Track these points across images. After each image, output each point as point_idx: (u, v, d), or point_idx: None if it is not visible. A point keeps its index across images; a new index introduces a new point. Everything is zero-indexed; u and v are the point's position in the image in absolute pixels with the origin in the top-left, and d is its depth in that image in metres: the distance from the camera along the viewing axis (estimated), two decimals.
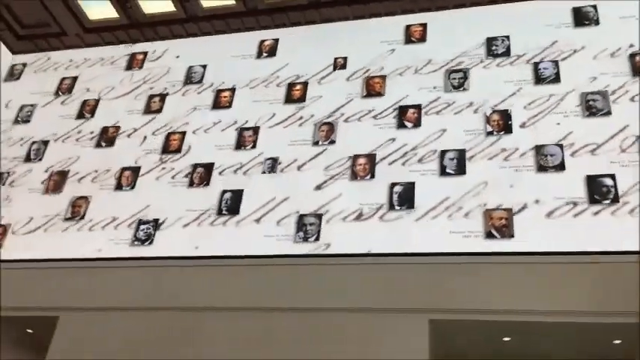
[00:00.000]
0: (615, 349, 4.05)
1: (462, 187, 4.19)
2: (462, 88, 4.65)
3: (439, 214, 4.13)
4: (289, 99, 5.01)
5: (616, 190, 3.92)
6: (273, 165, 4.67)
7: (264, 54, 5.39)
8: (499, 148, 4.30)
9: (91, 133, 5.36)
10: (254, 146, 4.83)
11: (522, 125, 4.37)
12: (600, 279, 3.66)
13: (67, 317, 4.29)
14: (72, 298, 4.37)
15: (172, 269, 4.35)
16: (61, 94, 5.74)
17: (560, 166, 4.10)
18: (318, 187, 4.50)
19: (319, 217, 4.32)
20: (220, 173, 4.76)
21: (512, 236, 3.92)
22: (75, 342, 4.18)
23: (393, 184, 4.31)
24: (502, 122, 4.39)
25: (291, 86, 5.08)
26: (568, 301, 3.64)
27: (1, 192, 5.21)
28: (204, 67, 5.46)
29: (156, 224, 4.61)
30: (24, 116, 5.68)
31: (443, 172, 4.29)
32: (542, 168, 4.13)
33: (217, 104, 5.18)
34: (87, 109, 5.52)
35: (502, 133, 4.34)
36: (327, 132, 4.72)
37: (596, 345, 4.05)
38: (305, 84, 5.05)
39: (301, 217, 4.35)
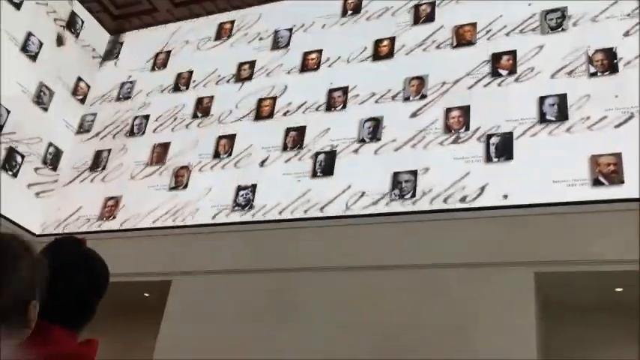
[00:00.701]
0: None
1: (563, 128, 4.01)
2: (560, 29, 4.37)
3: (538, 132, 4.00)
4: (377, 56, 4.94)
5: None
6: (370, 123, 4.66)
7: (349, 12, 5.31)
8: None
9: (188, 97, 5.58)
10: (344, 106, 4.81)
11: (626, 33, 4.08)
12: None
13: (179, 281, 4.56)
14: (183, 263, 4.62)
15: (273, 232, 4.47)
16: (157, 68, 5.95)
17: None
18: (414, 115, 4.46)
19: (414, 173, 4.26)
20: (317, 109, 4.88)
21: (623, 182, 3.68)
22: (187, 304, 4.44)
23: (489, 136, 4.17)
24: (607, 61, 4.09)
25: (378, 42, 4.98)
26: None
27: (115, 144, 5.66)
28: (290, 30, 5.46)
29: (254, 189, 4.74)
30: (125, 93, 5.97)
31: (542, 119, 4.08)
32: None
33: (305, 67, 5.20)
34: (182, 82, 5.72)
35: (607, 73, 4.06)
36: (417, 86, 4.61)
37: None
38: (392, 39, 4.93)
39: (396, 174, 4.31)
